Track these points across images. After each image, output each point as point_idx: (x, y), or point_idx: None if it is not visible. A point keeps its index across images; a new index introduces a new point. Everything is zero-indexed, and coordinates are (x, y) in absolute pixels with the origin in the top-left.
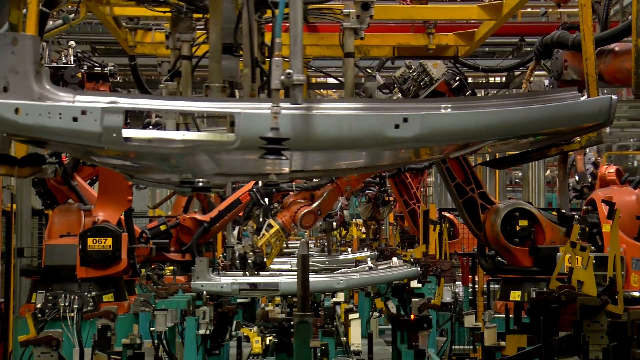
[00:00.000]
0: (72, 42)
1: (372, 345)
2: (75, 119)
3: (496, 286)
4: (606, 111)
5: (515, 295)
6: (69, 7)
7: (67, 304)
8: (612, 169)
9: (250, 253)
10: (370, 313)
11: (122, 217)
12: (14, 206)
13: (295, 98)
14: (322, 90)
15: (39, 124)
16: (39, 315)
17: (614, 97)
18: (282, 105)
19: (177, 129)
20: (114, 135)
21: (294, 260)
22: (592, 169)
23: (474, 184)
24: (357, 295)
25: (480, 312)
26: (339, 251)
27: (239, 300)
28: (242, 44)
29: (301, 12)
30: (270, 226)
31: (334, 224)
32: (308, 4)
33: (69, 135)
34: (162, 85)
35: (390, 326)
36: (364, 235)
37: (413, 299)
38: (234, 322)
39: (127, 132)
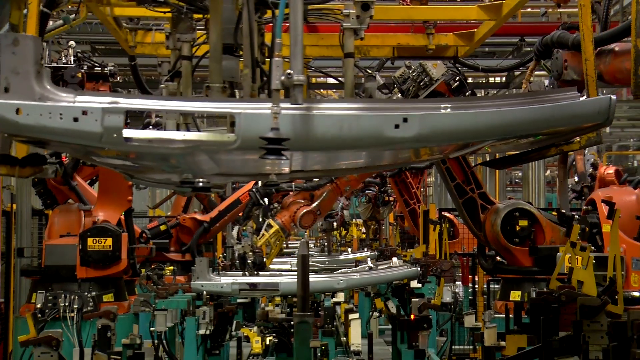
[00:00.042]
0: (72, 42)
1: (372, 345)
2: (76, 119)
3: (496, 286)
4: (605, 111)
5: (515, 295)
6: (70, 7)
7: (67, 304)
8: (611, 169)
9: (250, 253)
10: (370, 313)
11: (122, 217)
12: (14, 206)
13: (296, 98)
14: (322, 90)
15: (40, 124)
16: (39, 315)
17: (613, 97)
18: (283, 105)
19: (178, 129)
20: (115, 135)
21: (294, 260)
22: (590, 170)
23: (473, 184)
24: (357, 295)
25: (480, 312)
26: (339, 251)
27: (239, 300)
28: (243, 44)
29: (301, 13)
30: (269, 226)
31: (335, 224)
32: (308, 5)
33: (70, 135)
34: (162, 85)
35: (390, 326)
36: (364, 235)
37: (413, 299)
38: (234, 322)
39: (127, 133)
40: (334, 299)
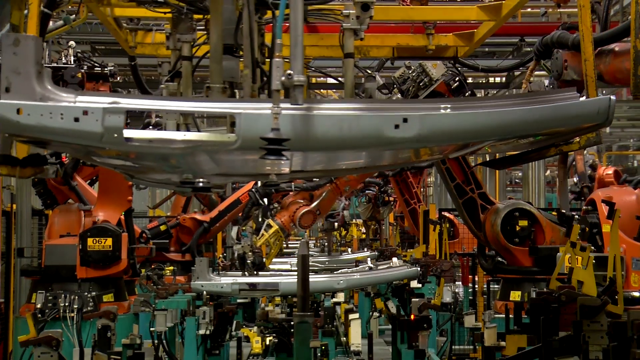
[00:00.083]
0: (72, 42)
1: (372, 345)
2: (76, 119)
3: (496, 286)
4: (605, 112)
5: (515, 295)
6: (70, 7)
7: (67, 304)
8: (610, 170)
9: (249, 253)
10: (370, 313)
11: (122, 217)
12: (14, 206)
13: (296, 99)
14: (322, 90)
15: (41, 125)
16: (39, 315)
17: (612, 97)
18: (283, 105)
19: (178, 129)
20: (115, 135)
21: (294, 260)
22: (589, 171)
23: (473, 184)
24: (357, 295)
25: (480, 312)
26: (339, 251)
27: (239, 301)
28: (243, 45)
29: (302, 14)
30: (269, 226)
31: (336, 224)
32: (308, 5)
33: (71, 135)
34: (162, 85)
35: (390, 326)
36: (364, 235)
37: (413, 299)
38: (234, 322)
39: (128, 133)
40: (334, 299)
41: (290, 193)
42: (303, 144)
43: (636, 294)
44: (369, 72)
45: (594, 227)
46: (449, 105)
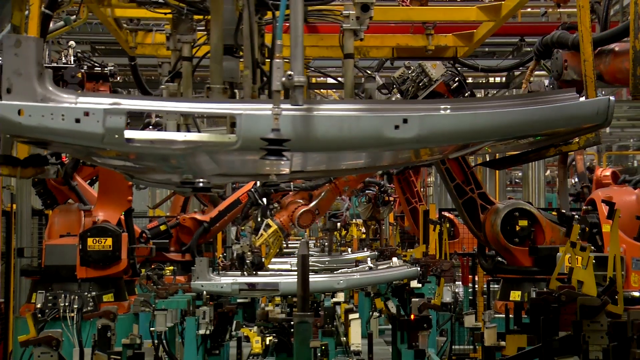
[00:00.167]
0: (72, 42)
1: (372, 345)
2: (77, 120)
3: (496, 286)
4: (604, 112)
5: (515, 295)
6: (72, 7)
7: (67, 304)
8: (608, 171)
9: (249, 253)
10: (370, 313)
11: (122, 217)
12: (14, 206)
13: (296, 99)
14: (322, 90)
15: (42, 125)
16: (39, 315)
17: (611, 98)
18: (283, 106)
19: (178, 130)
20: (116, 136)
21: (294, 260)
22: (587, 173)
23: (473, 184)
24: (357, 295)
25: (480, 312)
26: (339, 251)
27: (239, 300)
28: (243, 45)
29: (302, 14)
30: (268, 226)
31: (338, 224)
32: (309, 6)
33: (72, 136)
34: (163, 86)
35: (390, 326)
36: (364, 235)
37: (413, 299)
38: (234, 322)
39: (129, 134)
40: (334, 299)
41: (290, 193)
42: (303, 144)
43: (636, 294)
44: (369, 72)
45: (594, 227)
46: (448, 106)
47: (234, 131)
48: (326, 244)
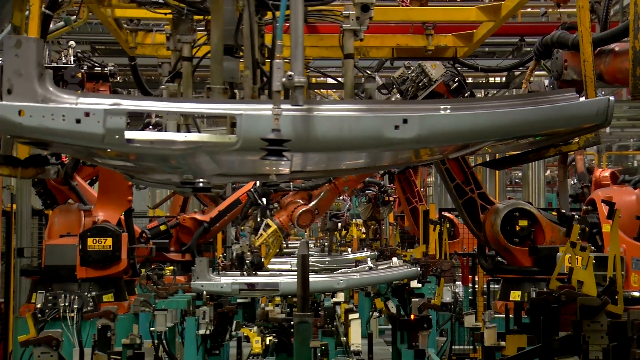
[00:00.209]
0: (72, 42)
1: (372, 345)
2: (78, 121)
3: (496, 286)
4: (604, 112)
5: (515, 295)
6: (72, 7)
7: (67, 304)
8: (607, 172)
9: (248, 253)
10: (370, 313)
11: (122, 217)
12: (14, 206)
13: (296, 100)
14: (322, 90)
15: (43, 126)
16: (39, 315)
17: (611, 98)
18: (283, 106)
19: (178, 130)
20: (117, 137)
21: (294, 260)
22: (586, 174)
23: (473, 184)
24: (357, 295)
25: (480, 312)
26: (339, 251)
27: (239, 300)
28: (243, 46)
29: (302, 15)
30: (267, 226)
31: (339, 224)
32: (309, 6)
33: (72, 136)
34: (163, 86)
35: (390, 326)
36: (364, 235)
37: (413, 299)
38: (234, 322)
39: (129, 134)
40: (334, 299)
41: (290, 193)
42: (303, 144)
43: (636, 294)
44: (369, 72)
45: (594, 227)
46: (448, 106)
47: (234, 131)
48: (326, 244)
